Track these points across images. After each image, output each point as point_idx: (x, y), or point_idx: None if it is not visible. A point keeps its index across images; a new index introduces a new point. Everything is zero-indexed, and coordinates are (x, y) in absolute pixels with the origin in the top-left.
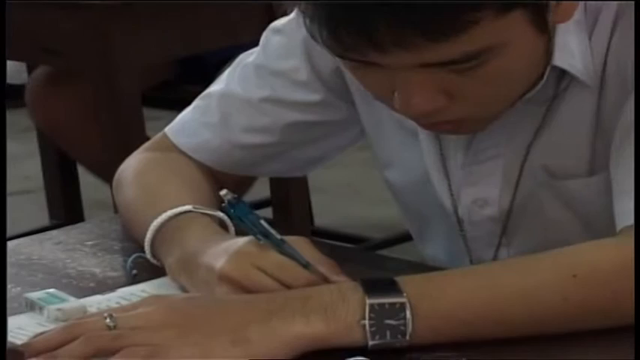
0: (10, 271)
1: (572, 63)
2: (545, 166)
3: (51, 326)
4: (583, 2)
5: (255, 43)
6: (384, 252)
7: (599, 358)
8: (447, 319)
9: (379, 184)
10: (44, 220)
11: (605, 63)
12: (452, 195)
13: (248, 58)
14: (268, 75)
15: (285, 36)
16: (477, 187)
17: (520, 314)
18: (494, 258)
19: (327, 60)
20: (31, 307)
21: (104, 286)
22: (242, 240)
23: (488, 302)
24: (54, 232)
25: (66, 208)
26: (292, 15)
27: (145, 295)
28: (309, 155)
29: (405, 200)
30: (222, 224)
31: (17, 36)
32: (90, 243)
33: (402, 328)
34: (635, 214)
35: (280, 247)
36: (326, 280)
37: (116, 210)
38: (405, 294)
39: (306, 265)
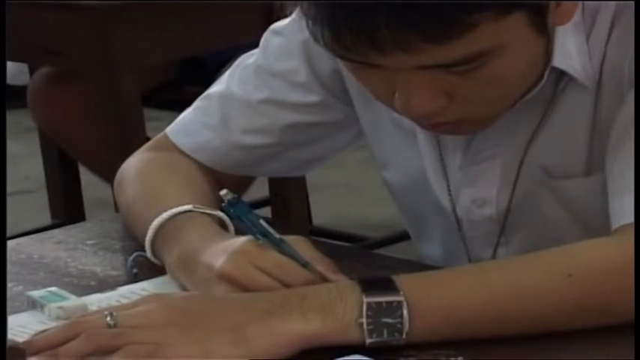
0: (12, 269)
1: (570, 64)
2: (543, 165)
3: (52, 324)
4: (581, 3)
5: (255, 45)
6: (382, 251)
7: (598, 357)
8: (444, 318)
9: (377, 184)
10: (46, 219)
11: (602, 64)
12: (450, 195)
13: (248, 59)
14: (267, 76)
15: (285, 38)
16: (475, 187)
17: (516, 313)
18: (493, 257)
19: (326, 62)
20: (33, 305)
21: (105, 285)
22: (241, 239)
23: (485, 301)
24: (55, 231)
25: (67, 208)
26: (292, 17)
27: (145, 293)
28: (308, 155)
29: (403, 200)
30: (222, 224)
31: (19, 37)
32: (91, 242)
33: (399, 326)
34: (635, 214)
35: (279, 247)
36: (324, 279)
37: (117, 209)
38: (402, 292)
39: (304, 265)
